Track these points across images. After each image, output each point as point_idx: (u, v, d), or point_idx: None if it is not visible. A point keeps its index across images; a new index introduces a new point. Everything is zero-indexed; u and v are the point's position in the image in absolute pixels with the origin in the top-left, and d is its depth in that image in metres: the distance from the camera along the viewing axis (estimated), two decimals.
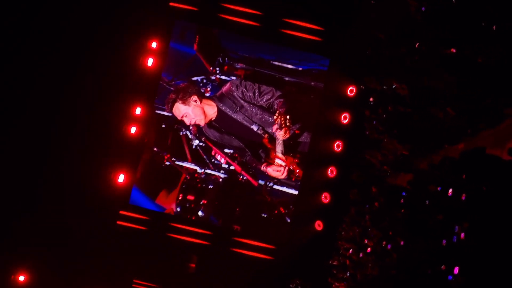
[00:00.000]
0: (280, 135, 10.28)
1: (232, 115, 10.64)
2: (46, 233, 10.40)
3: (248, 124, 10.60)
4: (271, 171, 10.63)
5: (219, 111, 10.70)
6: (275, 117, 10.19)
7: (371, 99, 9.96)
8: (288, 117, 10.12)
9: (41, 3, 10.44)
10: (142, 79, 10.72)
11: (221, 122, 10.72)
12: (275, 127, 10.23)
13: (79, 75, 10.54)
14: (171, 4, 10.73)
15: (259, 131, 10.57)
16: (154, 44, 10.71)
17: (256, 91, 10.63)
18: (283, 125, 10.14)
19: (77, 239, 10.45)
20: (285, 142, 10.40)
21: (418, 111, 9.55)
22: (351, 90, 10.51)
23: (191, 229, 10.74)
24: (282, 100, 10.51)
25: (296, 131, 10.61)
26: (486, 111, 9.17)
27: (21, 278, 10.38)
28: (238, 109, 10.63)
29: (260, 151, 10.72)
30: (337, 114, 10.56)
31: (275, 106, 10.50)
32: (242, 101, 10.63)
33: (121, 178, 10.68)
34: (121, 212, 10.74)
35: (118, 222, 10.72)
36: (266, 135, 10.55)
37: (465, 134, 9.27)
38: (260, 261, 10.67)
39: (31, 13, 10.42)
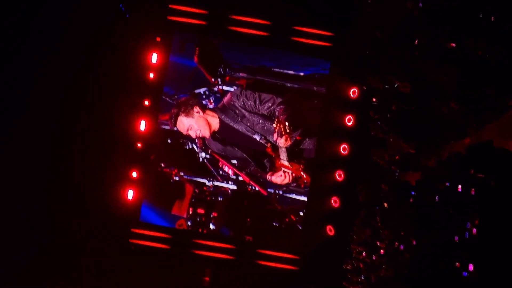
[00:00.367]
0: (282, 142, 10.21)
1: (234, 126, 10.60)
2: (56, 253, 10.36)
3: (250, 134, 10.56)
4: (274, 178, 10.56)
5: (221, 122, 10.67)
6: (274, 125, 10.15)
7: (374, 99, 9.91)
8: (287, 124, 10.07)
9: (41, 3, 10.42)
10: (145, 95, 10.68)
11: (224, 133, 10.68)
12: (275, 135, 10.17)
13: (80, 78, 10.48)
14: (169, 17, 10.68)
15: (261, 141, 10.51)
16: (154, 59, 10.65)
17: (257, 99, 10.58)
18: (283, 133, 10.08)
19: (88, 259, 10.40)
20: (288, 149, 10.34)
21: (421, 108, 9.49)
22: (353, 92, 10.40)
23: (205, 243, 10.68)
24: (283, 107, 10.45)
25: (298, 137, 10.52)
26: (490, 102, 9.10)
27: None
28: (239, 119, 10.59)
29: (265, 161, 10.66)
30: (341, 117, 10.45)
31: (277, 113, 10.45)
32: (243, 111, 10.60)
33: (130, 194, 10.63)
34: (132, 230, 10.68)
35: (131, 240, 10.67)
36: (269, 144, 10.49)
37: (471, 127, 9.19)
38: (284, 272, 10.57)
39: (31, 13, 10.39)
